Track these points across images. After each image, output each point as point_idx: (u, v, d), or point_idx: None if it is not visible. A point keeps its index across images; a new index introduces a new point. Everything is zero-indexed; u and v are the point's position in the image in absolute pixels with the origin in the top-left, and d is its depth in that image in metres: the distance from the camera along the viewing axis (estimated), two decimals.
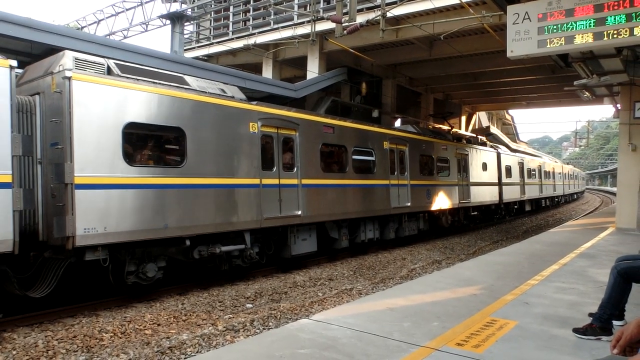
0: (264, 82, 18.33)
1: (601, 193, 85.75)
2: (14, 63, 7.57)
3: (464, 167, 22.86)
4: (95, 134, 8.44)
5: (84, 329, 7.57)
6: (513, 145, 44.06)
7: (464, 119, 38.35)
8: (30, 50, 11.76)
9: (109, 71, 9.12)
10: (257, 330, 7.58)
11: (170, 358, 6.42)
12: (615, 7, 7.85)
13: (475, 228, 24.16)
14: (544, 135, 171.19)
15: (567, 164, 69.23)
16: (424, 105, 31.87)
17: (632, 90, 16.35)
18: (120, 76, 9.10)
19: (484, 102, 39.23)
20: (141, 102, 9.21)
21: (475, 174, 24.12)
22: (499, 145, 33.22)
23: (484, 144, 28.32)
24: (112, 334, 7.35)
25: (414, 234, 18.63)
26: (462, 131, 33.39)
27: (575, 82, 15.72)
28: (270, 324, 7.98)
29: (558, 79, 25.87)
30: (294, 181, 12.51)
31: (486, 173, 25.62)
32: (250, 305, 9.30)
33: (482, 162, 25.16)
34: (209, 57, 26.47)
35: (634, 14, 7.67)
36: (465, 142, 24.97)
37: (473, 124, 40.52)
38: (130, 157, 9.07)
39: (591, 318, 5.21)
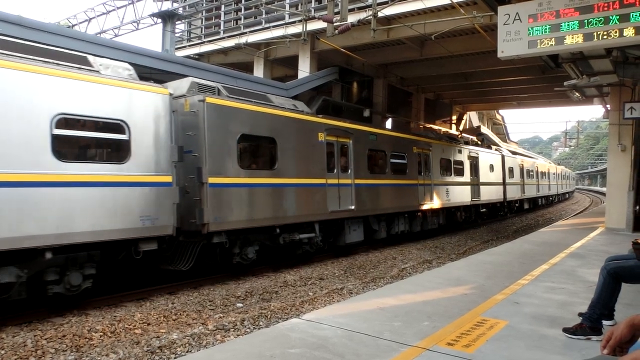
0: (255, 82, 18.29)
1: (591, 193, 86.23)
2: (172, 90, 10.11)
3: (475, 168, 25.30)
4: (220, 144, 10.84)
5: (73, 328, 7.52)
6: (503, 145, 44.32)
7: (454, 118, 38.44)
8: None
9: (219, 92, 11.53)
10: (248, 330, 7.57)
11: (160, 357, 6.39)
12: (605, 9, 7.89)
13: (466, 228, 24.25)
14: (534, 135, 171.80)
15: (559, 164, 69.88)
16: (415, 105, 31.90)
17: (622, 91, 16.43)
18: (229, 97, 11.50)
19: (474, 102, 39.33)
20: (248, 118, 11.66)
21: (484, 174, 26.51)
22: (502, 148, 35.81)
23: (489, 147, 31.67)
24: (101, 334, 7.31)
25: (435, 228, 21.08)
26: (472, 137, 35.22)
27: (565, 83, 15.79)
28: (261, 323, 7.97)
29: (548, 79, 25.95)
30: (349, 181, 14.90)
31: (493, 174, 28.10)
32: (241, 305, 9.28)
33: (489, 164, 27.65)
34: (200, 56, 26.38)
35: (623, 15, 7.71)
36: (474, 145, 27.63)
37: (464, 124, 40.61)
38: (241, 161, 11.43)
39: (581, 318, 5.22)
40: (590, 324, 5.07)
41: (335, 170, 14.38)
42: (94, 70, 8.93)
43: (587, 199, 65.68)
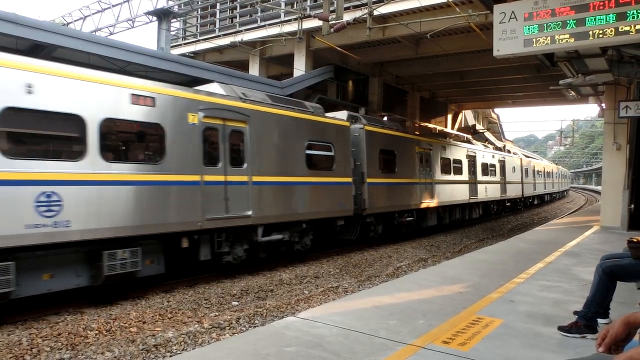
0: (251, 80, 18.26)
1: (586, 191, 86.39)
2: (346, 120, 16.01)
3: (503, 170, 31.16)
4: (371, 156, 16.62)
5: (68, 326, 7.50)
6: (498, 143, 44.52)
7: (450, 117, 38.45)
8: (16, 46, 11.63)
9: (360, 120, 16.91)
10: (243, 328, 7.57)
11: (156, 356, 6.38)
12: (601, 7, 7.90)
13: (460, 226, 24.31)
14: (529, 134, 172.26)
15: (557, 164, 70.73)
16: (410, 103, 31.92)
17: (617, 90, 16.46)
18: (368, 123, 16.92)
19: (470, 101, 39.34)
20: (382, 138, 17.46)
21: (509, 174, 32.44)
22: (517, 152, 42.78)
23: (508, 151, 37.38)
24: (97, 332, 7.29)
25: (477, 217, 27.06)
26: (497, 142, 41.12)
27: (560, 82, 15.77)
28: (257, 321, 7.97)
29: (543, 78, 25.99)
30: (430, 180, 20.62)
31: (514, 174, 34.11)
32: (236, 303, 9.27)
33: (512, 166, 33.74)
34: (196, 54, 26.32)
35: (619, 14, 7.72)
36: (499, 150, 33.86)
37: (459, 123, 40.62)
38: (380, 167, 17.10)
39: (576, 316, 5.23)
40: (585, 322, 5.08)
41: (425, 172, 20.11)
42: (309, 111, 14.10)
43: (582, 197, 65.87)
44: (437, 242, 18.61)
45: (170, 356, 6.32)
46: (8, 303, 7.87)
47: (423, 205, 19.68)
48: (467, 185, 24.36)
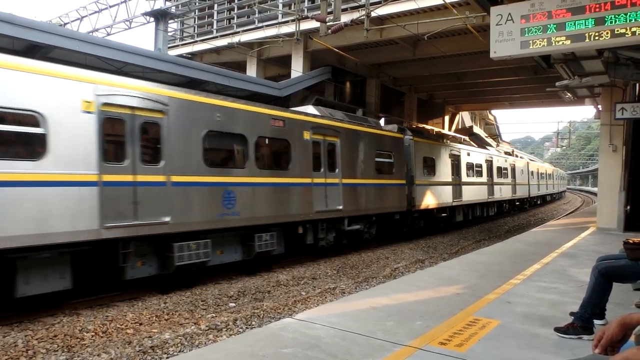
0: (248, 81, 18.24)
1: (582, 193, 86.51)
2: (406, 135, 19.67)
3: (513, 172, 34.90)
4: (418, 162, 19.78)
5: (64, 328, 7.49)
6: (507, 148, 44.86)
7: (447, 118, 38.45)
8: (12, 47, 11.59)
9: (406, 131, 19.93)
10: (240, 330, 7.56)
11: (152, 357, 6.37)
12: (597, 10, 7.91)
13: (460, 227, 24.35)
14: (526, 136, 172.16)
15: (555, 165, 71.34)
16: (407, 105, 31.93)
17: (613, 92, 16.50)
18: (413, 134, 20.15)
19: (467, 102, 39.34)
20: (425, 146, 20.70)
21: (518, 177, 36.12)
22: (523, 155, 47.51)
23: (516, 155, 40.76)
24: (93, 333, 7.28)
25: (492, 215, 30.85)
26: (507, 147, 44.91)
27: (557, 83, 15.80)
28: (254, 323, 7.96)
29: (540, 79, 26.01)
30: (457, 182, 23.73)
31: (523, 176, 38.03)
32: (233, 305, 9.27)
33: (520, 169, 37.46)
34: (193, 55, 26.30)
35: (614, 16, 7.74)
36: (509, 155, 37.24)
37: (456, 124, 40.63)
38: (423, 171, 20.23)
39: (572, 317, 5.24)
40: (581, 323, 5.08)
41: (454, 175, 23.25)
42: (373, 126, 17.51)
43: (578, 198, 65.97)
44: (434, 243, 18.63)
45: (167, 358, 6.31)
46: (5, 302, 7.86)
47: (454, 204, 23.15)
48: (486, 187, 28.18)
